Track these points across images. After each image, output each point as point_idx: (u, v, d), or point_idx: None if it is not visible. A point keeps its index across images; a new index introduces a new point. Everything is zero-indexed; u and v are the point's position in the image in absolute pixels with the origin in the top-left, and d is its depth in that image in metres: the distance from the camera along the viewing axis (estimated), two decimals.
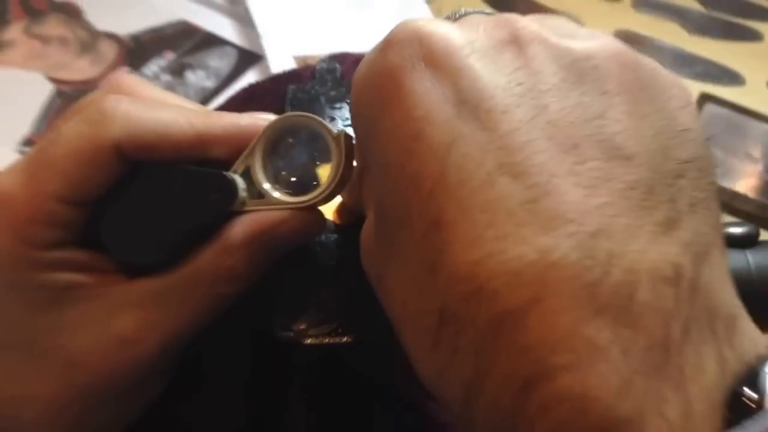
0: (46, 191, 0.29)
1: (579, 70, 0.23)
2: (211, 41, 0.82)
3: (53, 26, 0.84)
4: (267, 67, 0.76)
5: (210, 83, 0.77)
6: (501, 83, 0.22)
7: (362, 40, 0.82)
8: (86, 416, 0.31)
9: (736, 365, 0.20)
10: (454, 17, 0.26)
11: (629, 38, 0.91)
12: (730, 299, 0.21)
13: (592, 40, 0.24)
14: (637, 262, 0.20)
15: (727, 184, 0.76)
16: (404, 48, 0.23)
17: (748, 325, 0.21)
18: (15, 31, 0.83)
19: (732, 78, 0.88)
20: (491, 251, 0.20)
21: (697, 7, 0.95)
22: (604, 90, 0.23)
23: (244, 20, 0.83)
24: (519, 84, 0.22)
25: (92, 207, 0.30)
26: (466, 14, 0.26)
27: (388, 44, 0.24)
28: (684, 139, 0.23)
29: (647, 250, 0.20)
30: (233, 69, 0.79)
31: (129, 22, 0.84)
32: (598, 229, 0.20)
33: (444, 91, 0.22)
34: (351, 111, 0.25)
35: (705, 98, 0.84)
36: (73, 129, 0.29)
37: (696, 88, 0.85)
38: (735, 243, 0.43)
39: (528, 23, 0.24)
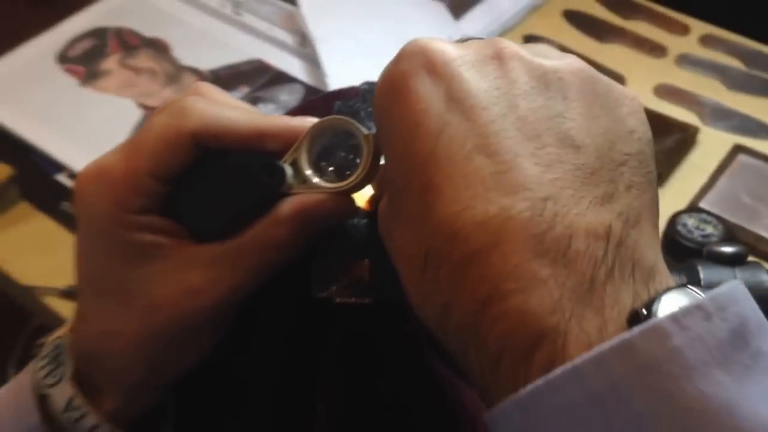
0: (138, 167, 0.36)
1: (547, 80, 0.30)
2: (281, 78, 0.92)
3: (144, 59, 0.94)
4: None
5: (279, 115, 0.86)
6: (483, 87, 0.29)
7: None
8: (160, 351, 0.38)
9: (646, 299, 0.26)
10: (460, 41, 0.33)
11: (671, 91, 0.97)
12: (654, 257, 0.27)
13: (561, 60, 0.31)
14: (576, 222, 0.26)
15: (753, 228, 0.80)
16: (411, 58, 0.30)
17: (665, 278, 0.27)
18: (111, 62, 0.93)
19: (766, 132, 0.93)
20: (466, 207, 0.27)
21: (738, 64, 1.00)
22: (565, 96, 0.29)
23: (312, 60, 0.92)
24: (497, 88, 0.29)
25: (172, 183, 0.37)
26: (469, 39, 0.33)
27: (400, 56, 0.31)
28: (629, 138, 0.30)
29: (585, 214, 0.27)
30: (300, 103, 0.88)
31: (210, 59, 0.94)
32: (547, 195, 0.26)
33: (439, 91, 0.29)
34: (373, 107, 0.32)
35: (738, 149, 0.90)
36: (160, 121, 0.36)
37: (731, 140, 0.90)
38: (725, 260, 0.49)
39: (510, 44, 0.31)
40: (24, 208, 0.83)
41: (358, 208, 0.38)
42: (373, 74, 0.91)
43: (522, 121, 0.29)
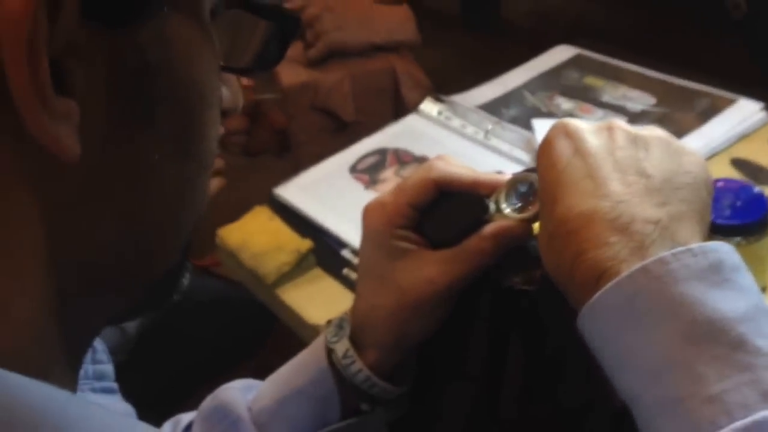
0: (402, 201, 0.59)
1: (636, 140, 0.48)
2: None
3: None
4: None
5: None
6: (595, 143, 0.49)
7: None
8: (406, 321, 0.57)
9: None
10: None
11: None
12: (688, 237, 0.45)
13: (650, 131, 0.51)
14: (638, 213, 0.44)
15: None
16: (558, 128, 0.51)
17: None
18: (389, 173, 1.21)
19: None
20: (573, 206, 0.47)
21: None
22: (646, 149, 0.48)
23: None
24: (604, 145, 0.48)
25: (421, 211, 0.60)
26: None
27: (553, 127, 0.52)
28: (686, 175, 0.47)
29: (645, 210, 0.45)
30: None
31: None
32: (621, 200, 0.45)
33: (569, 145, 0.49)
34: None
35: None
36: (416, 173, 0.60)
37: None
38: None
39: (619, 122, 0.51)
40: (318, 272, 1.07)
41: (533, 232, 0.59)
42: None
43: (616, 161, 0.49)
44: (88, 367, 0.57)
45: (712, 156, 1.19)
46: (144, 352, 1.27)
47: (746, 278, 0.43)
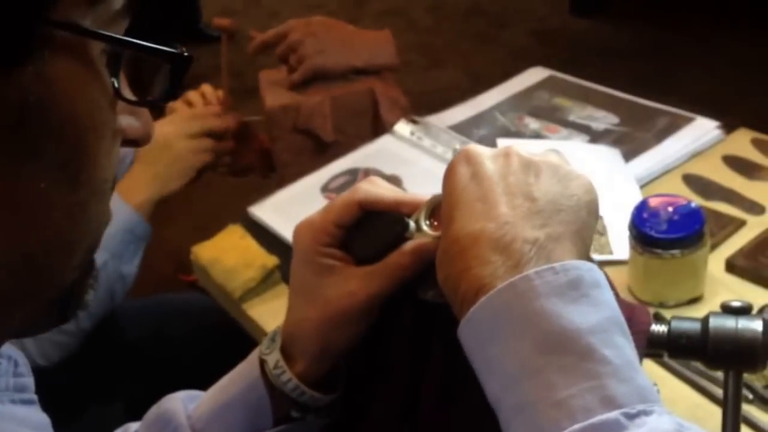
0: (327, 220, 0.63)
1: (529, 166, 0.51)
2: None
3: None
4: None
5: None
6: (491, 168, 0.51)
7: None
8: (330, 332, 0.58)
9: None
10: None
11: None
12: (563, 256, 0.47)
13: (544, 156, 0.53)
14: (519, 234, 0.48)
15: None
16: (461, 155, 0.54)
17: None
18: None
19: None
20: (464, 226, 0.50)
21: None
22: (537, 174, 0.51)
23: None
24: (498, 170, 0.51)
25: (346, 229, 0.65)
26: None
27: (457, 153, 0.56)
28: (570, 198, 0.51)
29: (525, 231, 0.48)
30: None
31: (430, 191, 1.25)
32: (507, 221, 0.48)
33: (468, 171, 0.53)
34: None
35: None
36: (342, 195, 0.66)
37: None
38: (732, 311, 0.68)
39: (517, 148, 0.56)
40: (284, 288, 1.12)
41: None
42: None
43: (507, 186, 0.52)
44: (9, 380, 0.61)
45: (666, 172, 1.25)
46: (138, 361, 1.34)
47: (604, 294, 0.48)
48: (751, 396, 0.90)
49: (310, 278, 0.61)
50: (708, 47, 3.15)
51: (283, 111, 1.51)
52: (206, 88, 1.39)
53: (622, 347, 0.46)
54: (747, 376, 0.93)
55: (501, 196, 0.51)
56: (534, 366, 0.45)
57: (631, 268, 1.03)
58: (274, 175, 1.55)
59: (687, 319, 0.68)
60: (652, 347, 0.67)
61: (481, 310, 0.48)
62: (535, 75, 1.54)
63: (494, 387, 0.47)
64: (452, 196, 0.53)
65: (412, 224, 0.62)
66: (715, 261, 1.07)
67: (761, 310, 0.89)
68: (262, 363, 0.62)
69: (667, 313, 1.00)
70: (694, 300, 1.02)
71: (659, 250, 0.97)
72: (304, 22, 1.54)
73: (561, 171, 0.53)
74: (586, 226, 0.52)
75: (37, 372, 0.65)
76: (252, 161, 1.49)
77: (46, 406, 0.64)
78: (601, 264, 1.06)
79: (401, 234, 0.60)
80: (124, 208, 1.21)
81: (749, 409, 0.89)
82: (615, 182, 1.20)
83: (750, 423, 0.88)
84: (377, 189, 0.62)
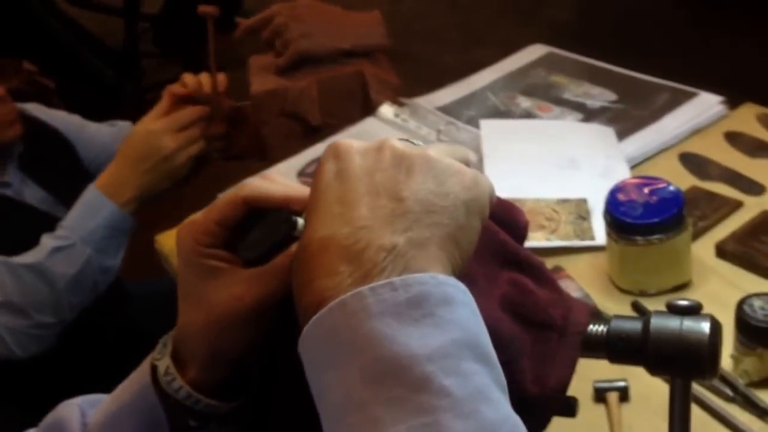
0: (210, 218, 0.58)
1: (401, 161, 0.45)
2: None
3: None
4: None
5: None
6: (360, 165, 0.45)
7: (571, 193, 1.07)
8: (217, 336, 0.53)
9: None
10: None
11: None
12: (426, 265, 0.42)
13: (421, 150, 0.48)
14: (374, 240, 0.42)
15: None
16: (331, 149, 0.48)
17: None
18: None
19: None
20: (317, 230, 0.43)
21: None
22: (409, 171, 0.45)
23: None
24: (367, 166, 0.45)
25: (231, 229, 0.59)
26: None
27: (327, 148, 0.50)
28: (445, 197, 0.45)
29: (382, 237, 0.42)
30: None
31: None
32: (364, 226, 0.42)
33: (334, 168, 0.46)
34: None
35: None
36: (227, 192, 0.60)
37: None
38: (677, 310, 0.61)
39: (393, 141, 0.49)
40: None
41: None
42: (530, 185, 1.16)
43: (372, 184, 0.45)
44: None
45: (662, 150, 1.17)
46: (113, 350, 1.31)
47: (455, 312, 0.41)
48: (731, 393, 0.82)
49: (193, 281, 0.56)
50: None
51: (269, 95, 1.46)
52: (204, 76, 1.34)
53: (469, 375, 0.40)
54: (729, 372, 0.85)
55: (363, 196, 0.45)
56: (359, 399, 0.39)
57: (608, 256, 0.95)
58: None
59: (628, 319, 0.62)
60: (590, 349, 0.60)
61: (314, 329, 0.42)
62: (533, 52, 1.47)
63: (324, 418, 0.42)
64: (313, 197, 0.48)
65: (300, 222, 0.56)
66: (707, 245, 0.98)
67: (742, 302, 0.80)
68: (154, 369, 0.57)
69: (649, 303, 0.92)
70: (680, 287, 0.94)
71: (635, 237, 0.90)
72: (289, 5, 1.49)
73: (438, 166, 0.47)
74: (463, 229, 0.46)
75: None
76: (246, 145, 1.46)
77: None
78: (582, 250, 1.01)
79: (290, 233, 0.55)
80: (108, 206, 1.19)
81: (730, 409, 0.81)
82: (601, 163, 1.12)
83: (730, 425, 0.80)
84: (266, 185, 0.57)
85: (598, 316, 0.63)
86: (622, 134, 1.20)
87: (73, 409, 0.60)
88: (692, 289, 0.94)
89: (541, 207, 1.06)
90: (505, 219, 0.66)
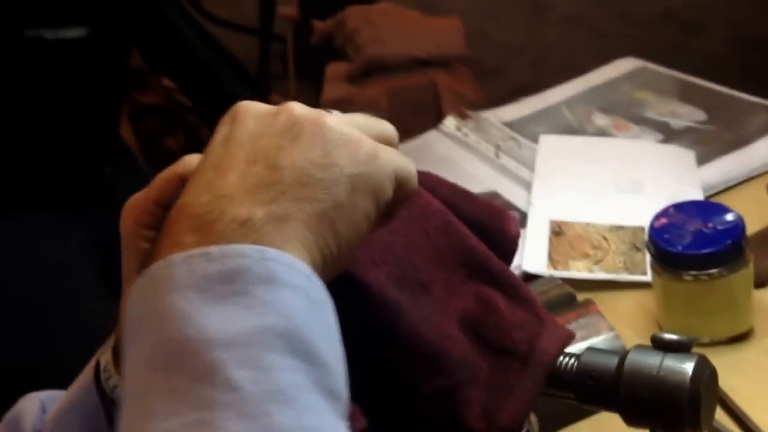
0: (149, 197, 0.54)
1: (292, 127, 0.40)
2: (507, 207, 1.03)
3: None
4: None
5: None
6: (249, 129, 0.41)
7: (628, 220, 0.94)
8: None
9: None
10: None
11: None
12: (281, 243, 0.37)
13: (317, 115, 0.42)
14: (229, 211, 0.37)
15: None
16: (227, 113, 0.43)
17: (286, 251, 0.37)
18: None
19: None
20: (182, 197, 0.40)
21: None
22: (296, 137, 0.40)
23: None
24: (256, 131, 0.41)
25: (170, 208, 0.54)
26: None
27: (228, 111, 0.45)
28: (329, 168, 0.40)
29: (239, 208, 0.38)
30: None
31: None
32: (225, 194, 0.38)
33: (225, 132, 0.42)
34: None
35: None
36: (166, 170, 0.54)
37: None
38: (661, 345, 0.50)
39: (295, 105, 0.43)
40: None
41: None
42: (585, 211, 1.03)
43: (253, 150, 0.41)
44: None
45: (747, 179, 1.02)
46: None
47: (275, 294, 0.35)
48: None
49: (133, 265, 0.52)
50: None
51: (337, 105, 1.39)
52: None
53: (272, 369, 0.33)
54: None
55: (239, 162, 0.41)
56: (142, 386, 0.34)
57: (654, 295, 0.82)
58: None
59: (604, 353, 0.51)
60: (556, 386, 0.50)
61: (129, 305, 0.38)
62: (621, 66, 1.33)
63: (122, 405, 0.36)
64: (198, 162, 0.44)
65: None
66: None
67: None
68: (97, 364, 0.53)
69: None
70: (738, 338, 0.79)
71: (681, 271, 0.76)
72: (362, 8, 1.42)
73: (329, 134, 0.42)
74: (342, 208, 0.40)
75: None
76: None
77: None
78: (631, 286, 0.88)
79: None
80: None
81: None
82: (670, 188, 0.98)
83: None
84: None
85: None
86: (704, 159, 1.05)
87: (32, 404, 0.57)
88: (754, 341, 0.79)
89: (589, 233, 0.93)
90: (489, 225, 0.57)
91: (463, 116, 1.25)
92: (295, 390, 0.33)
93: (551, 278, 0.84)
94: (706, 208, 0.78)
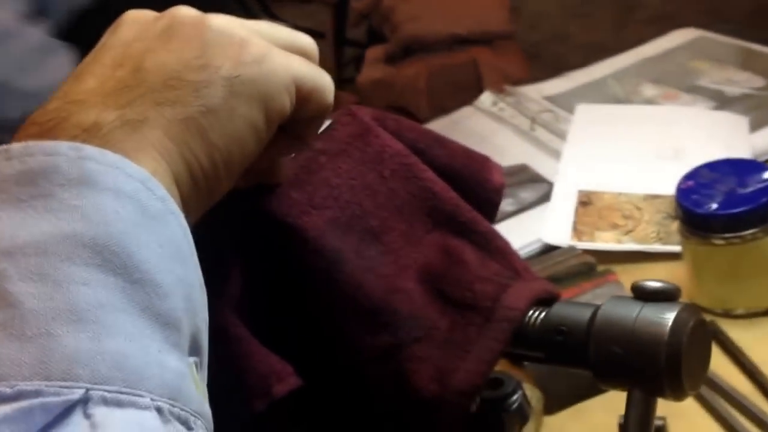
0: None
1: (170, 29, 0.37)
2: (534, 179, 0.95)
3: None
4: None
5: (510, 208, 0.90)
6: (124, 34, 0.37)
7: (665, 189, 0.85)
8: None
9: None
10: None
11: None
12: (130, 150, 0.33)
13: (201, 15, 0.37)
14: (76, 117, 0.33)
15: None
16: (122, 17, 0.38)
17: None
18: None
19: None
20: (41, 107, 0.35)
21: None
22: (169, 39, 0.36)
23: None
24: (133, 34, 0.37)
25: None
26: None
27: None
28: (202, 70, 0.35)
29: (87, 113, 0.33)
30: (537, 199, 0.91)
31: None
32: (77, 100, 0.34)
33: (106, 38, 0.38)
34: None
35: None
36: None
37: None
38: (642, 295, 0.42)
39: (181, 9, 0.38)
40: None
41: None
42: (618, 180, 0.94)
43: (122, 55, 0.36)
44: None
45: None
46: None
47: (86, 198, 0.30)
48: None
49: None
50: None
51: (375, 85, 1.34)
52: None
53: (66, 284, 0.28)
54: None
55: (104, 68, 0.36)
56: None
57: (684, 264, 0.73)
58: None
59: (577, 305, 0.44)
60: (523, 344, 0.45)
61: None
62: (679, 36, 1.23)
63: None
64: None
65: None
66: None
67: None
68: None
69: (730, 328, 0.69)
70: None
71: (710, 234, 0.67)
72: None
73: (209, 34, 0.37)
74: (215, 115, 0.36)
75: None
76: None
77: None
78: (664, 258, 0.79)
79: None
80: None
81: None
82: (715, 154, 0.88)
83: None
84: None
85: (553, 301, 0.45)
86: (758, 125, 0.95)
87: None
88: None
89: (620, 203, 0.84)
90: (464, 173, 0.51)
91: (500, 91, 1.18)
92: (98, 308, 0.28)
93: (571, 248, 0.76)
94: (742, 166, 0.69)
